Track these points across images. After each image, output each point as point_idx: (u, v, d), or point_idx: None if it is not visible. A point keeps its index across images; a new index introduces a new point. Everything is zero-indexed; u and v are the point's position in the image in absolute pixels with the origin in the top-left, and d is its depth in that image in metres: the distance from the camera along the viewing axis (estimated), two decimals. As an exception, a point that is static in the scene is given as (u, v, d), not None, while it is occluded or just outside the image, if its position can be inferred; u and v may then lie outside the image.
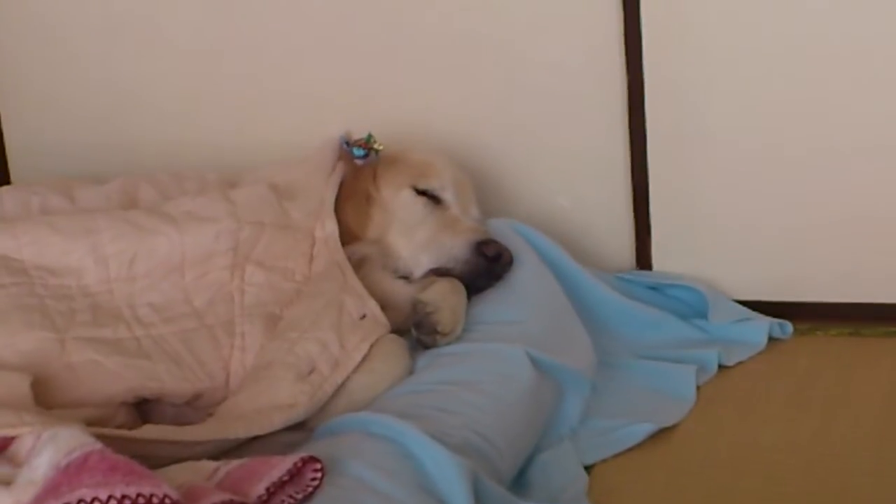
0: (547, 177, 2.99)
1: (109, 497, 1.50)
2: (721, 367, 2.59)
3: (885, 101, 2.70)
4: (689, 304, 2.81)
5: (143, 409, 2.18)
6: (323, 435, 2.00)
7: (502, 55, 2.95)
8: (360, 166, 2.65)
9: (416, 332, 2.35)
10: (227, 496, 1.62)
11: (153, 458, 1.71)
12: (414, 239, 2.56)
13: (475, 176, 2.80)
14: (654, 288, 2.85)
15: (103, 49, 3.27)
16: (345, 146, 2.66)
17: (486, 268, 2.52)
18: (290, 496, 1.68)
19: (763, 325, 2.73)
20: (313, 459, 1.73)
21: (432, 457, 1.85)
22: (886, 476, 2.07)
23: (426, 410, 2.05)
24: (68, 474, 1.54)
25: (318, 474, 1.72)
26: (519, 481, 2.12)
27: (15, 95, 3.37)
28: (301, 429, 2.09)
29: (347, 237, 2.52)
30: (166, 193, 2.57)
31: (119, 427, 2.02)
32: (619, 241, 2.96)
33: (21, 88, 3.36)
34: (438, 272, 2.52)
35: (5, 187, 2.64)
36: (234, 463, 1.76)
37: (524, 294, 2.52)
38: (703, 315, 2.76)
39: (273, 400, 2.09)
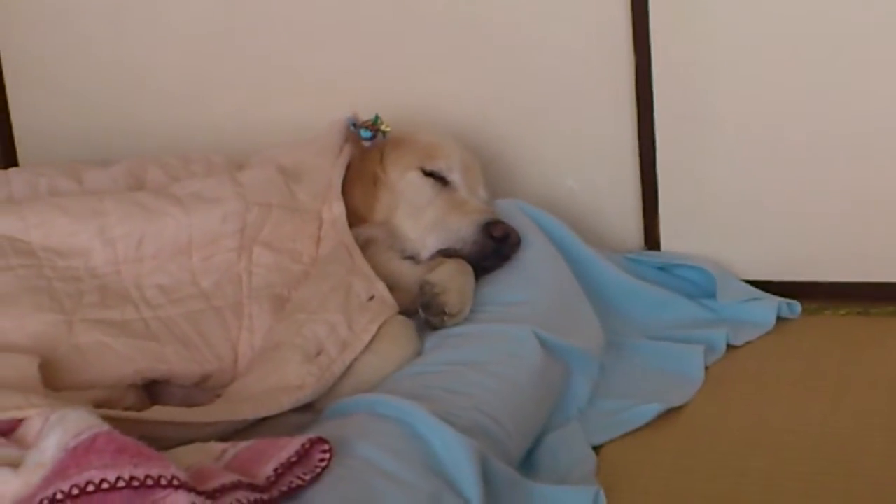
0: (555, 158, 2.99)
1: (118, 478, 1.50)
2: (729, 346, 2.59)
3: (894, 83, 2.69)
4: (698, 284, 2.81)
5: (152, 390, 2.18)
6: (331, 416, 2.00)
7: (510, 38, 2.95)
8: (367, 148, 2.65)
9: (424, 313, 2.35)
10: (235, 477, 1.62)
11: (161, 440, 1.72)
12: (421, 220, 2.56)
13: (483, 157, 2.79)
14: (662, 268, 2.85)
15: (111, 32, 3.27)
16: (352, 128, 2.66)
17: (493, 249, 2.52)
18: (299, 477, 1.68)
19: (772, 305, 2.73)
20: (321, 440, 1.74)
21: (440, 438, 1.86)
22: (895, 456, 2.06)
23: (434, 391, 2.05)
24: (76, 456, 1.54)
25: (327, 455, 1.72)
26: (527, 462, 2.12)
27: (22, 78, 3.37)
28: (309, 410, 2.09)
29: (355, 219, 2.52)
30: (173, 175, 2.57)
31: (127, 409, 2.02)
32: (627, 221, 2.95)
33: (28, 71, 3.36)
34: (446, 253, 2.51)
35: (13, 169, 2.64)
36: (242, 444, 1.76)
37: (532, 275, 2.52)
38: (711, 295, 2.76)
39: (281, 381, 2.09)
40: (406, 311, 2.34)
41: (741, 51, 2.77)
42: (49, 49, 3.34)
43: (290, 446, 1.72)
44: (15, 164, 3.35)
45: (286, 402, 2.04)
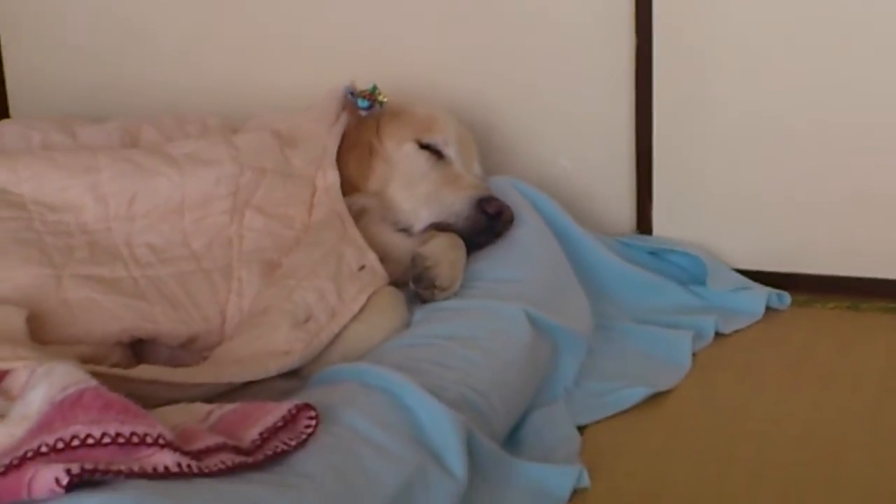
0: (551, 137, 2.98)
1: (103, 434, 1.49)
2: (717, 334, 2.59)
3: (893, 77, 2.68)
4: (688, 270, 2.81)
5: (138, 349, 2.18)
6: (318, 383, 1.99)
7: (513, 13, 2.94)
8: (363, 117, 2.64)
9: (415, 285, 2.34)
10: (220, 439, 1.61)
11: (146, 399, 1.70)
12: (415, 193, 2.55)
13: (479, 133, 2.79)
14: (653, 253, 2.85)
15: (108, -13, 3.26)
16: (349, 96, 2.65)
17: (486, 225, 2.51)
18: (284, 443, 1.66)
19: (761, 295, 2.73)
20: (308, 407, 1.73)
21: (427, 409, 1.85)
22: (879, 449, 2.06)
23: (422, 364, 2.04)
24: (63, 410, 1.53)
25: (313, 422, 1.71)
26: (511, 439, 2.11)
27: (16, 32, 3.36)
28: (295, 377, 2.08)
29: (348, 188, 2.51)
30: (168, 135, 2.55)
31: (113, 366, 2.01)
32: (620, 204, 2.95)
33: (22, 25, 3.35)
34: (439, 227, 2.51)
35: (6, 121, 2.64)
36: (228, 407, 1.75)
37: (524, 253, 2.52)
38: (701, 282, 2.76)
39: (268, 346, 2.09)
40: (396, 283, 2.34)
41: (743, 38, 2.77)
42: (45, 4, 3.32)
43: (276, 411, 1.71)
44: (7, 117, 3.33)
45: (273, 367, 2.03)
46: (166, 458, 1.51)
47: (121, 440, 1.50)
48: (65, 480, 1.41)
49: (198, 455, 1.55)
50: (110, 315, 2.11)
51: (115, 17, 3.26)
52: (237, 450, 1.61)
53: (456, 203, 2.53)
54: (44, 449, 1.47)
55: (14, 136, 2.49)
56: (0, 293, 2.05)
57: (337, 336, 2.16)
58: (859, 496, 1.92)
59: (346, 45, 3.07)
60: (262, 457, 1.62)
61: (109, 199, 2.29)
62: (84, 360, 1.88)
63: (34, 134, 2.50)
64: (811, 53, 2.73)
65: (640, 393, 2.28)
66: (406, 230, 2.52)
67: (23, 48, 3.36)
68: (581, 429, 2.16)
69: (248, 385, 2.01)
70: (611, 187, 2.95)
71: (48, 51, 3.34)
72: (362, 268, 2.29)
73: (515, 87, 2.98)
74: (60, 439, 1.48)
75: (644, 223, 2.93)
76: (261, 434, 1.66)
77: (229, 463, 1.57)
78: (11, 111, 3.37)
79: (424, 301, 2.33)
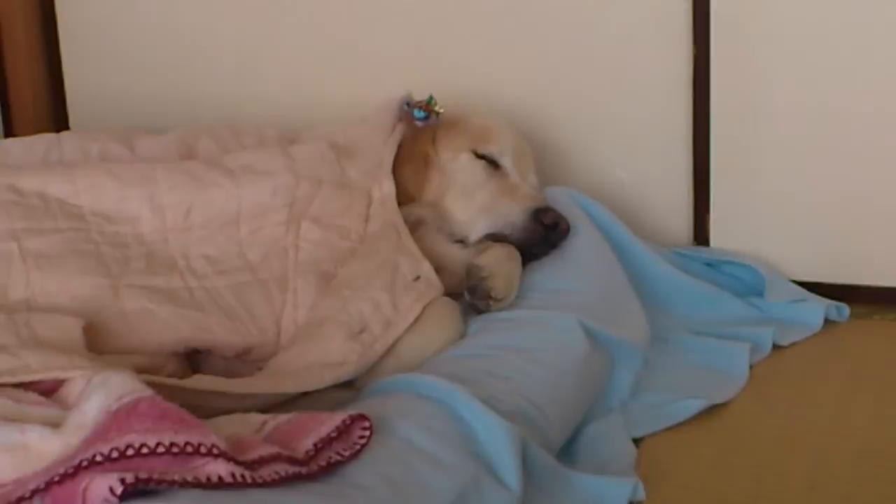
0: (607, 148, 2.97)
1: (158, 444, 1.50)
2: (775, 347, 2.56)
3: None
4: (746, 282, 2.78)
5: (193, 360, 2.18)
6: (372, 394, 1.99)
7: (570, 23, 2.93)
8: (419, 128, 2.64)
9: (470, 296, 2.33)
10: (274, 449, 1.61)
11: (201, 409, 1.71)
12: (471, 203, 2.55)
13: (535, 143, 2.78)
14: (710, 264, 2.82)
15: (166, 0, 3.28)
16: (405, 107, 2.65)
17: (542, 236, 2.50)
18: (338, 453, 1.67)
19: (819, 307, 2.71)
20: (362, 417, 1.72)
21: (482, 421, 1.84)
22: (940, 464, 2.04)
23: (477, 374, 2.04)
24: (118, 419, 1.54)
25: (367, 433, 1.71)
26: (566, 451, 2.10)
27: (76, 45, 3.37)
28: (349, 387, 2.08)
29: (404, 198, 2.51)
30: (225, 146, 2.56)
31: (169, 376, 2.02)
32: (677, 216, 2.93)
33: (83, 38, 3.37)
34: (494, 238, 2.50)
35: (65, 132, 2.64)
36: (283, 417, 1.76)
37: (580, 264, 2.51)
38: (759, 294, 2.74)
39: (323, 357, 2.09)
40: (452, 294, 2.33)
41: (802, 47, 2.74)
42: (105, 15, 3.34)
43: (330, 421, 1.71)
44: (66, 128, 3.35)
45: (328, 378, 2.04)
46: (220, 468, 1.51)
47: (175, 450, 1.50)
48: (119, 490, 1.42)
49: (251, 465, 1.56)
50: (166, 325, 2.12)
51: (173, 30, 3.28)
52: (291, 460, 1.61)
53: (512, 214, 2.52)
54: (98, 458, 1.48)
55: (73, 147, 2.51)
56: (57, 303, 2.06)
57: (391, 347, 2.15)
58: (919, 510, 1.90)
59: (403, 55, 3.07)
60: (316, 467, 1.63)
61: (166, 211, 2.30)
62: (140, 370, 1.88)
63: (93, 146, 2.51)
64: (873, 60, 2.70)
65: (696, 405, 2.26)
66: (462, 241, 2.52)
67: (83, 61, 3.38)
68: (636, 441, 2.15)
69: (302, 396, 2.01)
70: (667, 198, 2.93)
71: (108, 64, 3.36)
72: (417, 278, 2.28)
73: (571, 97, 2.97)
74: (115, 448, 1.49)
75: (701, 234, 2.90)
76: (315, 444, 1.66)
77: (283, 473, 1.57)
78: (71, 124, 3.39)
79: (479, 312, 2.33)
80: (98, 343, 2.01)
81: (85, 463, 1.47)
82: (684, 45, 2.81)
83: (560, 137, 2.95)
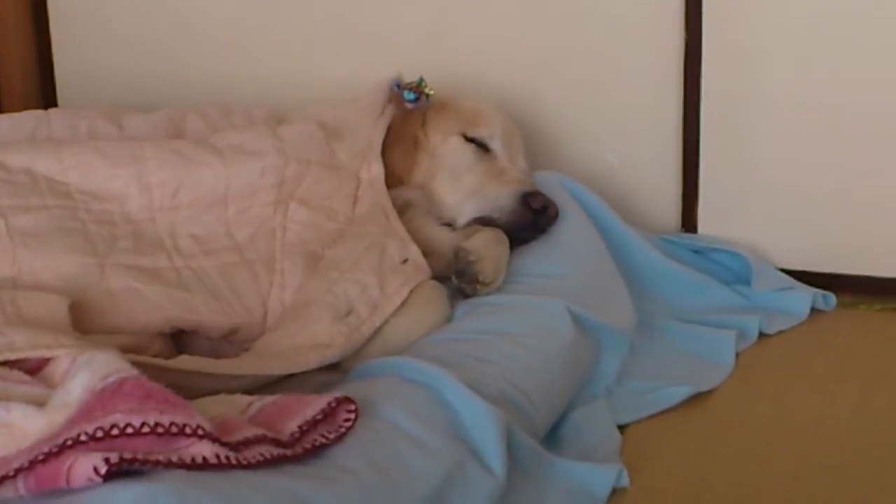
0: (597, 133, 2.96)
1: (143, 424, 1.50)
2: (761, 335, 2.57)
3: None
4: (733, 269, 2.78)
5: (179, 340, 2.18)
6: (358, 377, 1.99)
7: (561, 8, 2.92)
8: (409, 110, 2.63)
9: (457, 280, 2.33)
10: (259, 431, 1.61)
11: (186, 389, 1.69)
12: (460, 186, 2.55)
13: (525, 128, 2.78)
14: (697, 251, 2.82)
15: (159, -23, 3.27)
16: (396, 89, 2.64)
17: (530, 220, 2.50)
18: (323, 435, 1.67)
19: (806, 296, 2.71)
20: (348, 400, 1.72)
21: (467, 405, 1.85)
22: (924, 454, 2.05)
23: (463, 359, 2.04)
24: (103, 399, 1.54)
25: (352, 415, 1.71)
26: (551, 437, 2.10)
27: (66, 22, 3.35)
28: (336, 370, 2.08)
29: (393, 181, 2.51)
30: (213, 126, 2.55)
31: (154, 356, 2.01)
32: (666, 202, 2.93)
33: (72, 14, 3.35)
34: (482, 221, 2.49)
35: (53, 109, 2.63)
36: (268, 399, 1.75)
37: (568, 249, 2.50)
38: (746, 281, 2.74)
39: (310, 339, 2.09)
40: (439, 277, 2.33)
41: (793, 33, 2.74)
42: (95, -8, 3.33)
43: (315, 404, 1.71)
44: (55, 105, 3.34)
45: (314, 360, 2.03)
46: (205, 449, 1.51)
47: (160, 430, 1.50)
48: (103, 469, 1.42)
49: (236, 446, 1.56)
50: (152, 305, 2.11)
51: (164, 7, 3.26)
52: (276, 441, 1.62)
53: (500, 197, 2.51)
54: (83, 437, 1.47)
55: (61, 124, 2.50)
56: (43, 281, 2.06)
57: (378, 330, 2.15)
58: (903, 500, 1.90)
59: (395, 37, 3.05)
60: (301, 450, 1.63)
61: (154, 190, 2.29)
62: (125, 350, 1.87)
63: (81, 123, 2.50)
64: (864, 48, 2.70)
65: (682, 392, 2.26)
66: (450, 224, 2.51)
67: (72, 38, 3.36)
68: (622, 428, 2.15)
69: (288, 377, 2.00)
70: (656, 184, 2.93)
71: (97, 41, 3.34)
72: (405, 261, 2.28)
73: (562, 82, 2.96)
74: (100, 428, 1.48)
75: (689, 221, 2.90)
76: (300, 427, 1.66)
77: (268, 455, 1.58)
78: (60, 101, 3.37)
79: (466, 296, 2.32)
80: (84, 322, 2.00)
81: (69, 442, 1.47)
82: (676, 31, 2.80)
83: (550, 122, 2.95)
